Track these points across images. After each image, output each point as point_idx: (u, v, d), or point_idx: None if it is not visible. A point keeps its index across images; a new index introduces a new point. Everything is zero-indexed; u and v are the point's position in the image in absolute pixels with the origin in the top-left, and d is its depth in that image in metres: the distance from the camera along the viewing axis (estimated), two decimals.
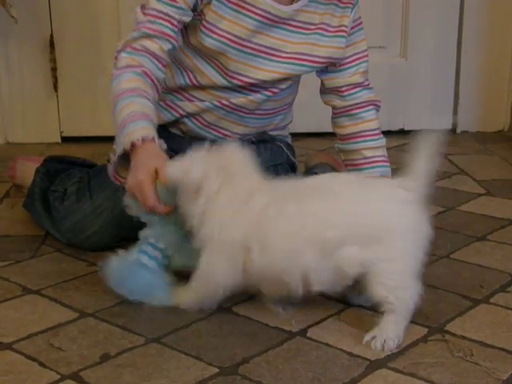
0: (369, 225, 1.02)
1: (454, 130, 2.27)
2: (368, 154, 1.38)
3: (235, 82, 1.32)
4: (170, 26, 1.25)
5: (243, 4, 1.28)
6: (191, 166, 1.06)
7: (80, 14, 2.08)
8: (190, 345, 1.01)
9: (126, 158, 1.14)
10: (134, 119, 1.13)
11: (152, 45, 1.22)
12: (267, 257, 1.03)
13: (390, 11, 2.17)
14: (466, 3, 2.16)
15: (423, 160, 1.04)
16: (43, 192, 1.42)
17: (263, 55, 1.31)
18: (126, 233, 1.27)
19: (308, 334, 1.04)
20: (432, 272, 1.24)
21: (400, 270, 1.02)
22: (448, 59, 2.22)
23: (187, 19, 1.27)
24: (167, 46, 1.24)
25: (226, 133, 1.38)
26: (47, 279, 1.22)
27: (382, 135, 1.43)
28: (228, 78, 1.31)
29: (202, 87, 1.34)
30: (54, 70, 2.10)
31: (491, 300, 1.15)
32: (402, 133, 2.23)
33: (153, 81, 1.22)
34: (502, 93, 2.25)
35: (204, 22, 1.28)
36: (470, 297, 1.15)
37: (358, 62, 1.39)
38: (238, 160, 1.09)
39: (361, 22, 1.39)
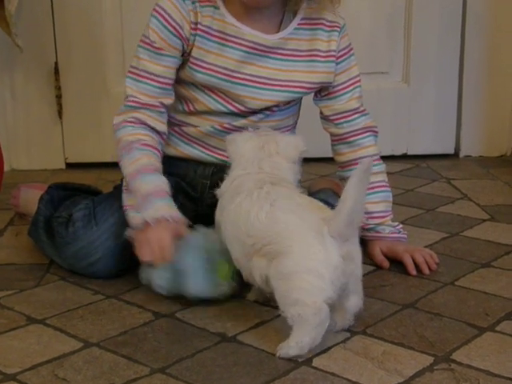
0: (272, 242, 1.06)
1: (456, 155, 2.28)
2: None
3: (233, 109, 1.34)
4: (155, 84, 1.30)
5: (226, 36, 1.31)
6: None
7: (85, 42, 2.09)
8: (194, 375, 1.01)
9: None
10: (159, 195, 1.22)
11: (141, 116, 1.29)
12: (225, 241, 1.16)
13: (393, 37, 2.18)
14: (468, 29, 2.17)
15: (350, 194, 1.01)
16: (47, 220, 1.42)
17: (256, 85, 1.33)
18: (129, 262, 1.27)
19: (314, 364, 1.03)
20: (437, 299, 1.24)
21: (292, 287, 1.03)
22: (450, 84, 2.23)
23: (176, 65, 1.31)
24: (152, 114, 1.29)
25: None
26: (52, 308, 1.22)
27: (381, 161, 1.44)
28: (227, 104, 1.33)
29: (200, 114, 1.36)
30: (58, 97, 2.11)
31: (497, 328, 1.14)
32: (406, 157, 2.24)
33: (155, 148, 1.28)
34: (504, 117, 2.25)
35: (191, 59, 1.31)
36: (476, 325, 1.15)
37: (352, 87, 1.42)
38: (278, 142, 1.20)
39: (352, 48, 1.42)
